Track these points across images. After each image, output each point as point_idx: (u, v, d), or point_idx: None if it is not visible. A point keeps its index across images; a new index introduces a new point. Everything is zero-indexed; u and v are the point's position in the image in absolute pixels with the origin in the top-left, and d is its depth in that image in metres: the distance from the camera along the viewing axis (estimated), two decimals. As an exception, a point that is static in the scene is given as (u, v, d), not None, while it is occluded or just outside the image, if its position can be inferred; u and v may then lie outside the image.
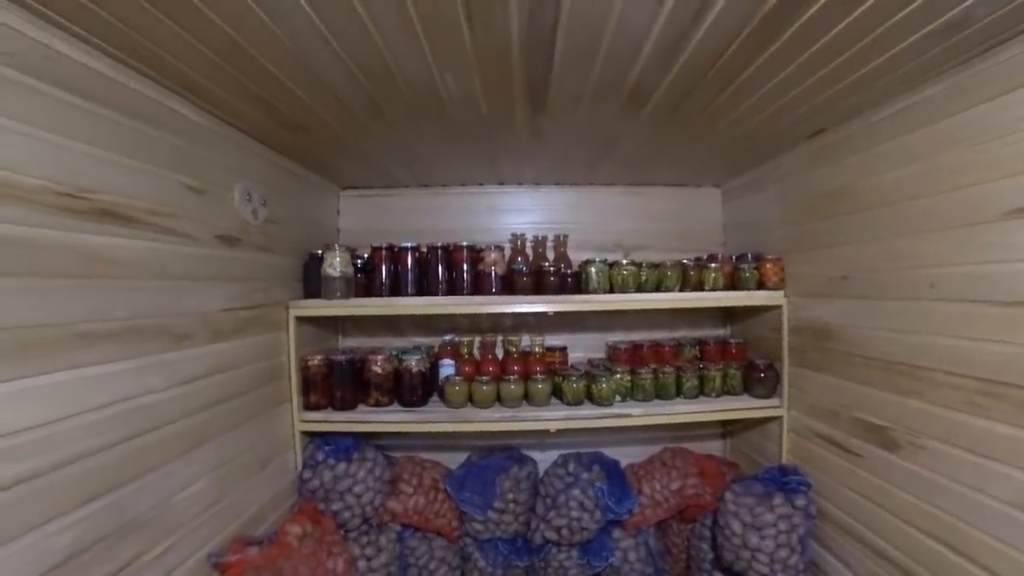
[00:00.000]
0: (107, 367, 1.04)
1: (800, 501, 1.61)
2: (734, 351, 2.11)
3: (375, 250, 1.92)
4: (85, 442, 0.98)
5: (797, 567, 1.57)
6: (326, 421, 1.80)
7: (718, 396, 1.98)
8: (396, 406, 1.88)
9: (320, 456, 1.77)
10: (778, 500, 1.62)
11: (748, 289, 1.92)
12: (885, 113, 1.40)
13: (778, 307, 1.91)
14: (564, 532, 1.86)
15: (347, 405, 1.83)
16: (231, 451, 1.45)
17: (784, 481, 1.69)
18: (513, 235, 2.15)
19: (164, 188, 1.21)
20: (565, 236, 2.15)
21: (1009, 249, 1.09)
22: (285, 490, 1.74)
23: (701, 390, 1.98)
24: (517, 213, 2.38)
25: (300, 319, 1.81)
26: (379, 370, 1.85)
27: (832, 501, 1.63)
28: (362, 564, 1.77)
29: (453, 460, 2.18)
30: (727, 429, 2.43)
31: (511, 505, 1.94)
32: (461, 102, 1.35)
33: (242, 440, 1.50)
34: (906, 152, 1.35)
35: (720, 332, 2.45)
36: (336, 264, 1.78)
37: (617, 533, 1.98)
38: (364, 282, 1.92)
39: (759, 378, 1.92)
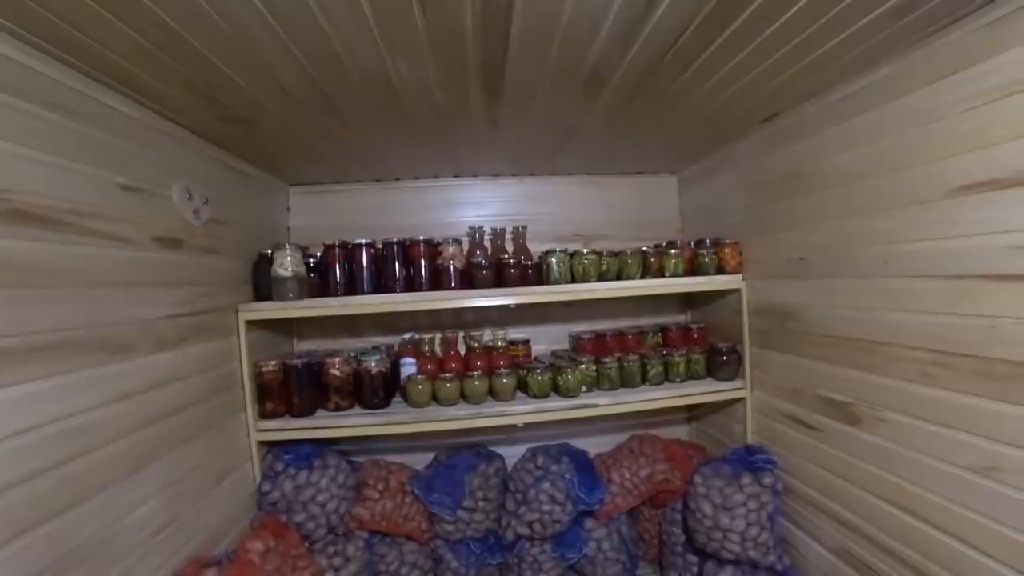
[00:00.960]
0: (30, 386, 0.93)
1: (767, 479, 1.64)
2: (696, 336, 2.13)
3: (328, 248, 1.84)
4: (9, 471, 0.88)
5: (768, 544, 1.60)
6: (284, 429, 1.72)
7: (683, 381, 1.99)
8: (357, 409, 1.81)
9: (279, 466, 1.69)
10: (746, 480, 1.65)
11: (708, 274, 1.94)
12: (836, 96, 1.43)
13: (737, 290, 1.94)
14: (536, 526, 1.84)
15: (306, 411, 1.75)
16: (182, 468, 1.35)
17: (751, 461, 1.72)
18: (471, 228, 2.11)
19: (91, 187, 1.11)
20: (524, 228, 2.13)
21: (955, 225, 1.13)
22: (244, 505, 1.65)
23: (666, 376, 1.99)
24: (475, 206, 2.33)
25: (251, 323, 1.71)
26: (338, 373, 1.77)
27: (798, 477, 1.67)
28: None
29: (419, 461, 2.12)
30: (692, 414, 2.46)
31: (481, 503, 1.90)
32: (415, 90, 1.29)
33: (194, 456, 1.41)
34: (856, 134, 1.38)
35: (681, 318, 2.47)
36: (287, 264, 1.69)
37: (589, 524, 1.98)
38: (318, 282, 1.84)
39: (722, 362, 1.94)
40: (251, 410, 1.70)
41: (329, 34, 1.00)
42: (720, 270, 1.94)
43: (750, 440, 1.92)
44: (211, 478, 1.49)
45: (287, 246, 1.72)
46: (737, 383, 1.94)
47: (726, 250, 1.93)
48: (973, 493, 1.11)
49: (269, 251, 1.76)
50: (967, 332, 1.11)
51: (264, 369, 1.71)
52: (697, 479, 1.76)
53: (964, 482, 1.13)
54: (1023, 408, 1.01)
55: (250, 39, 1.00)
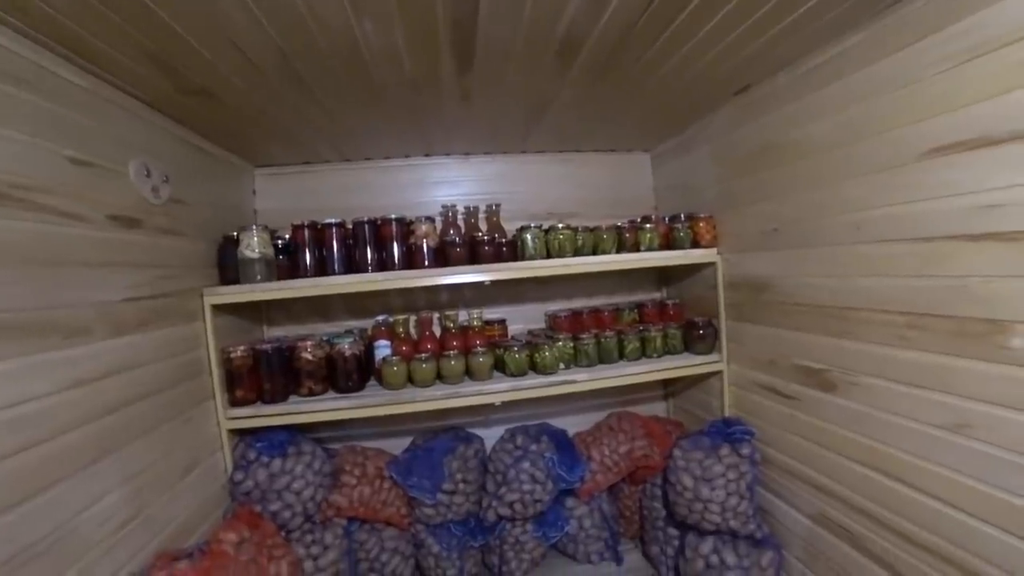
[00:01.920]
0: (-26, 371, 0.87)
1: (745, 450, 1.66)
2: (672, 312, 2.14)
3: (297, 229, 1.78)
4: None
5: (747, 512, 1.62)
6: (256, 416, 1.66)
7: (660, 356, 1.99)
8: (331, 394, 1.77)
9: (252, 455, 1.63)
10: (725, 451, 1.66)
11: (683, 248, 1.94)
12: (807, 66, 1.43)
13: (712, 264, 1.95)
14: (517, 507, 1.83)
15: (278, 397, 1.70)
16: (146, 459, 1.29)
17: (729, 432, 1.73)
18: (444, 207, 2.07)
19: (37, 160, 1.03)
20: (498, 206, 2.10)
21: (927, 188, 1.14)
22: (216, 495, 1.59)
23: (643, 352, 1.99)
24: (447, 185, 2.29)
25: (217, 308, 1.65)
26: (310, 357, 1.72)
27: (775, 447, 1.69)
28: (308, 565, 1.66)
29: (397, 446, 2.09)
30: (669, 390, 2.47)
31: (461, 485, 1.88)
32: (383, 58, 1.24)
33: (158, 446, 1.35)
34: (827, 103, 1.38)
35: (657, 295, 2.48)
36: (254, 245, 1.63)
37: (570, 502, 1.98)
38: (287, 264, 1.78)
39: (699, 335, 1.95)
40: (220, 398, 1.64)
41: (291, -9, 0.94)
42: (695, 244, 1.95)
43: (727, 413, 1.93)
44: (179, 469, 1.43)
45: (254, 227, 1.65)
46: (714, 356, 1.95)
47: (701, 224, 1.93)
48: (945, 450, 1.14)
49: (235, 233, 1.69)
50: (939, 293, 1.13)
51: (232, 355, 1.64)
52: (677, 452, 1.77)
53: (936, 440, 1.15)
54: (992, 365, 1.03)
55: (209, 1, 0.94)
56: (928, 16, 1.10)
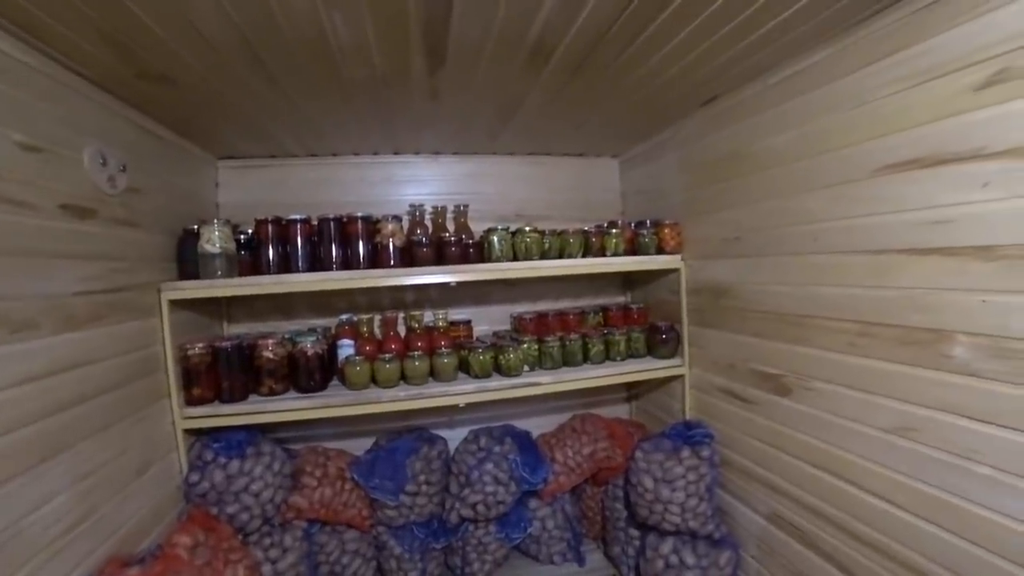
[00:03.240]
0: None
1: (705, 452, 1.70)
2: (636, 316, 2.17)
3: (260, 224, 1.73)
4: None
5: (706, 513, 1.65)
6: (214, 416, 1.61)
7: (624, 360, 2.02)
8: (293, 393, 1.73)
9: (208, 455, 1.59)
10: (685, 453, 1.70)
11: (648, 254, 1.98)
12: (772, 80, 1.47)
13: (676, 270, 1.99)
14: (480, 508, 1.83)
15: (237, 396, 1.65)
16: (98, 459, 1.24)
17: (689, 435, 1.77)
18: (411, 206, 2.06)
19: (-18, 144, 0.98)
20: (466, 207, 2.10)
21: (878, 202, 1.19)
22: (170, 497, 1.54)
23: (607, 355, 2.02)
24: (415, 184, 2.27)
25: (175, 303, 1.59)
26: (271, 355, 1.68)
27: (734, 449, 1.73)
28: (267, 568, 1.62)
29: (359, 447, 2.07)
30: (632, 392, 2.51)
31: (424, 487, 1.87)
32: (352, 52, 1.22)
33: (111, 445, 1.30)
34: (789, 117, 1.43)
35: (621, 299, 2.52)
36: (215, 240, 1.59)
37: (533, 503, 1.99)
38: (249, 260, 1.74)
39: (662, 340, 1.99)
40: (176, 396, 1.59)
41: (257, -22, 0.92)
42: (660, 250, 1.98)
43: (688, 415, 1.98)
44: (132, 470, 1.38)
45: (215, 221, 1.61)
46: (676, 360, 1.99)
47: (666, 230, 1.97)
48: (890, 452, 1.19)
49: (195, 227, 1.64)
50: (888, 303, 1.18)
51: (190, 352, 1.59)
52: (638, 454, 1.79)
53: (883, 443, 1.21)
54: (935, 372, 1.08)
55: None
56: (882, 40, 1.16)
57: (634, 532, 1.89)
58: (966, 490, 1.03)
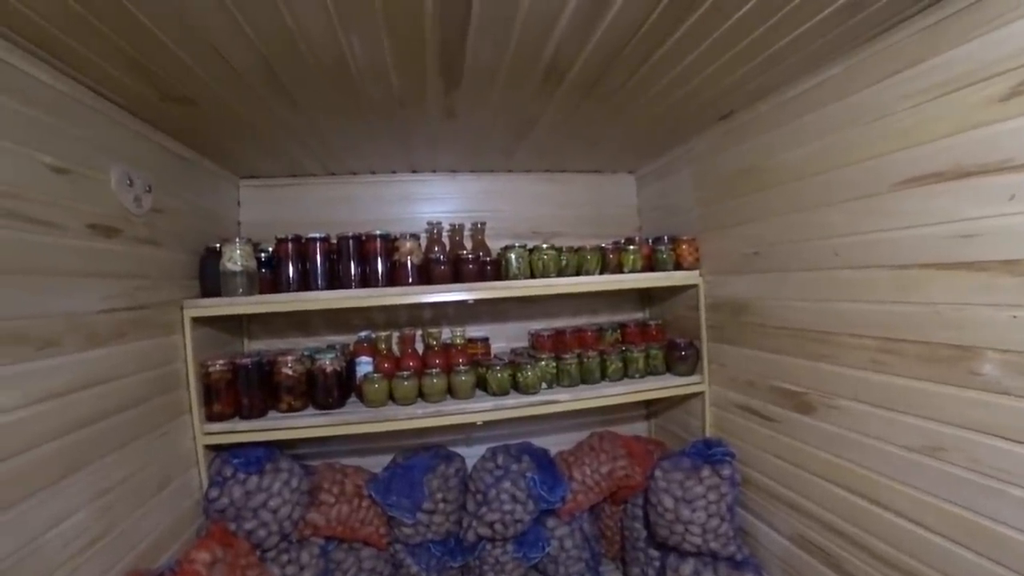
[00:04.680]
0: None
1: (726, 471, 1.66)
2: (654, 332, 2.15)
3: (280, 242, 1.77)
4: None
5: (728, 534, 1.61)
6: (233, 432, 1.63)
7: (642, 377, 2.00)
8: (311, 410, 1.74)
9: (228, 471, 1.60)
10: (706, 472, 1.67)
11: (666, 270, 1.97)
12: (789, 95, 1.47)
13: (695, 286, 1.97)
14: (498, 527, 1.81)
15: (256, 413, 1.67)
16: (118, 475, 1.26)
17: (710, 454, 1.74)
18: (429, 224, 2.08)
19: (13, 166, 1.01)
20: (483, 224, 2.11)
21: (899, 216, 1.17)
22: (189, 513, 1.55)
23: (625, 372, 2.00)
24: (432, 202, 2.29)
25: (197, 320, 1.62)
26: (290, 372, 1.70)
27: (755, 468, 1.70)
28: (282, 585, 1.62)
29: (376, 464, 2.06)
30: (651, 410, 2.48)
31: (441, 505, 1.86)
32: (370, 74, 1.25)
33: (132, 461, 1.31)
34: (807, 131, 1.42)
35: (639, 315, 2.50)
36: (236, 258, 1.61)
37: (551, 522, 1.96)
38: (269, 278, 1.76)
39: (680, 356, 1.97)
40: (197, 412, 1.61)
41: (278, 2, 0.93)
42: (677, 266, 1.97)
43: (708, 433, 1.94)
44: (152, 485, 1.39)
45: (236, 239, 1.64)
46: (695, 377, 1.97)
47: (683, 246, 1.96)
48: (919, 473, 1.15)
49: (217, 245, 1.68)
50: (912, 319, 1.16)
51: (211, 369, 1.62)
52: (658, 473, 1.76)
53: (910, 463, 1.17)
54: (963, 390, 1.05)
55: (192, 5, 0.93)
56: (899, 54, 1.15)
57: (654, 552, 1.85)
58: (998, 512, 1.00)
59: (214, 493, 1.57)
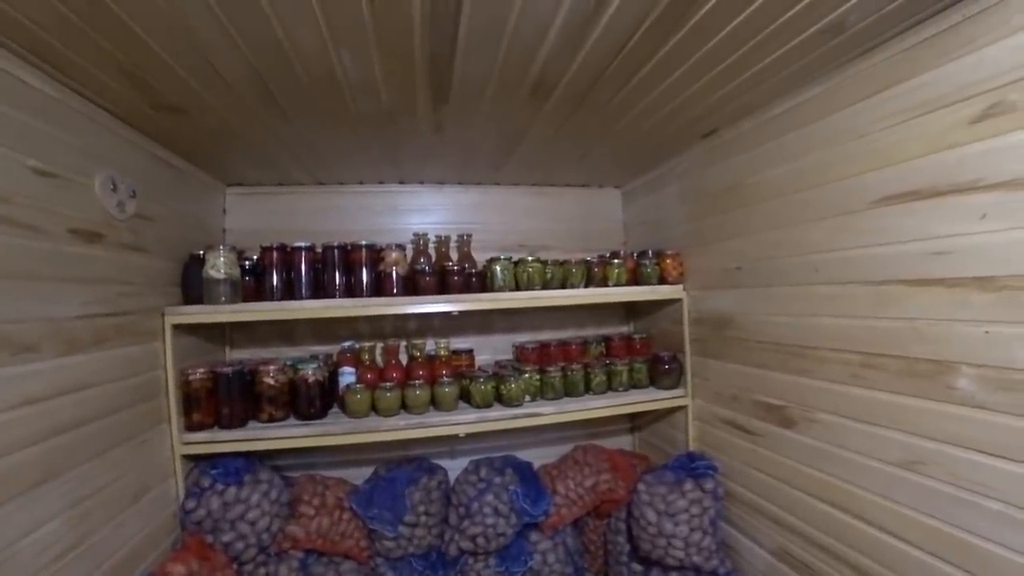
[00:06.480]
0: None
1: (709, 485, 1.67)
2: (639, 346, 2.16)
3: (265, 251, 1.76)
4: None
5: (710, 548, 1.62)
6: (212, 442, 1.61)
7: (626, 390, 2.01)
8: (292, 420, 1.72)
9: (206, 482, 1.57)
10: (689, 486, 1.67)
11: (650, 284, 1.98)
12: (770, 114, 1.50)
13: (679, 300, 1.99)
14: (480, 540, 1.79)
15: (236, 422, 1.64)
16: (93, 484, 1.23)
17: (693, 467, 1.74)
18: (415, 235, 2.08)
19: (-3, 169, 1.01)
20: (469, 236, 2.12)
21: (877, 234, 1.20)
22: (165, 524, 1.52)
23: (609, 385, 2.01)
24: (420, 213, 2.30)
25: (178, 328, 1.60)
26: (272, 381, 1.68)
27: (737, 481, 1.71)
28: (259, 599, 1.59)
29: (358, 476, 2.04)
30: (635, 423, 2.49)
31: (423, 518, 1.83)
32: (360, 88, 1.26)
33: (108, 470, 1.29)
34: (788, 150, 1.45)
35: (624, 329, 2.51)
36: (220, 265, 1.60)
37: (535, 536, 1.95)
38: (253, 286, 1.75)
39: (664, 370, 1.98)
40: (176, 421, 1.58)
41: (270, 17, 0.95)
42: (662, 280, 1.99)
43: (691, 447, 1.95)
44: (128, 495, 1.36)
45: (220, 247, 1.63)
46: (679, 391, 1.98)
47: (668, 260, 1.98)
48: (899, 487, 1.17)
49: (201, 252, 1.66)
50: (890, 334, 1.18)
51: (191, 377, 1.60)
52: (641, 487, 1.76)
53: (891, 477, 1.19)
54: (940, 403, 1.07)
55: (185, 16, 0.94)
56: (876, 76, 1.19)
57: (637, 567, 1.84)
58: (976, 525, 1.01)
59: (191, 504, 1.54)
